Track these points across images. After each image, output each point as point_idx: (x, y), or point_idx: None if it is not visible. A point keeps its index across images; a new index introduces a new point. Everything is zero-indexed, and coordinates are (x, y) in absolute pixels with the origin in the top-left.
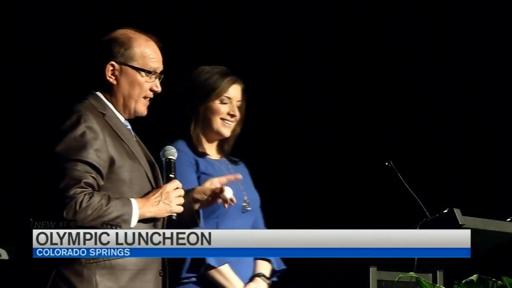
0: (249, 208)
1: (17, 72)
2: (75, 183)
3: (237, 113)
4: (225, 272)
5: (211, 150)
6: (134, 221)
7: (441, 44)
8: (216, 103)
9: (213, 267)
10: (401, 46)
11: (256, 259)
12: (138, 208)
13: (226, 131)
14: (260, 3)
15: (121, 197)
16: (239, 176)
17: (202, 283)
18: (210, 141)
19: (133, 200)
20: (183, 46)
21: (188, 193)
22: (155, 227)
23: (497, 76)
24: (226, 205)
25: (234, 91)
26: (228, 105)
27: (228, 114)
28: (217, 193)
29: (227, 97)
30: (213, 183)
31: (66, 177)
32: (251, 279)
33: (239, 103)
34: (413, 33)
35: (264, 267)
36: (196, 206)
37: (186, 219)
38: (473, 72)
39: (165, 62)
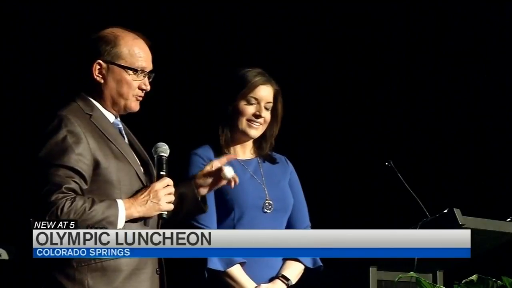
0: (271, 209)
1: (15, 72)
2: (56, 188)
3: (264, 114)
4: (234, 274)
5: (241, 150)
6: (120, 223)
7: (441, 44)
8: (242, 104)
9: (219, 271)
10: (401, 46)
11: (284, 259)
12: (124, 209)
13: (253, 132)
14: (262, 3)
15: (107, 199)
16: (235, 157)
17: (209, 285)
18: (239, 141)
19: (119, 201)
20: (184, 46)
21: (190, 182)
22: (145, 225)
23: (497, 76)
24: (232, 184)
25: (263, 92)
26: (255, 106)
27: (254, 115)
28: (218, 174)
29: (253, 97)
30: (213, 165)
31: (47, 183)
32: (270, 280)
33: (269, 104)
34: (413, 33)
35: (289, 268)
36: (202, 191)
37: (191, 209)
38: (473, 72)
39: (161, 61)
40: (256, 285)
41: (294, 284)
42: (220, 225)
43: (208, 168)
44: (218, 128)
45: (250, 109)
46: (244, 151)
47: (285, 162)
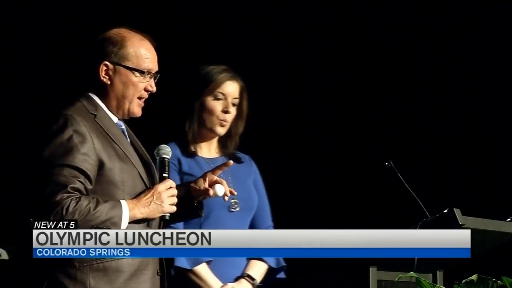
0: (237, 208)
1: (17, 72)
2: (61, 188)
3: (231, 110)
4: (200, 272)
5: (207, 148)
6: (124, 223)
7: (441, 44)
8: (209, 99)
9: (186, 269)
10: (401, 45)
11: (248, 259)
12: (128, 210)
13: (220, 130)
14: (261, 3)
15: (111, 200)
16: (230, 163)
17: (176, 283)
18: (206, 138)
19: (123, 202)
20: (182, 46)
21: (187, 186)
22: (148, 227)
23: (497, 76)
24: (226, 198)
25: (230, 88)
26: (222, 102)
27: (222, 111)
28: (208, 190)
29: (221, 93)
30: (207, 179)
31: (52, 183)
32: (236, 280)
33: (236, 100)
34: (413, 33)
35: (253, 267)
36: (200, 197)
37: (187, 213)
38: (473, 72)
39: (163, 61)
40: (222, 284)
41: (294, 284)
42: (187, 224)
43: (201, 184)
44: (185, 125)
45: (217, 105)
46: (209, 149)
47: (249, 162)
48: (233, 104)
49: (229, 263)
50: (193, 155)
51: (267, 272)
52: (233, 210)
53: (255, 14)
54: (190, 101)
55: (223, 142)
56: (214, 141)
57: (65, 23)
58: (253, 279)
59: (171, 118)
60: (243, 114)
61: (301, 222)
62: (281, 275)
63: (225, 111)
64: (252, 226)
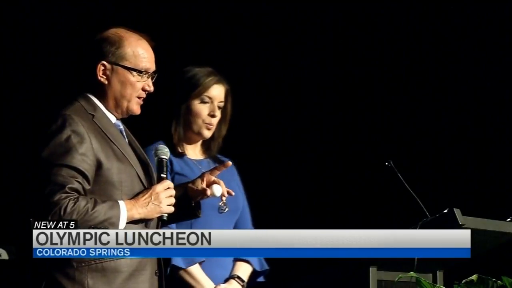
0: (226, 209)
1: (17, 72)
2: (59, 188)
3: (217, 113)
4: (194, 273)
5: (193, 150)
6: (122, 224)
7: (441, 44)
8: (196, 103)
9: (181, 268)
10: (401, 45)
11: (235, 260)
12: (126, 211)
13: (207, 133)
14: (257, 3)
15: (109, 200)
16: (229, 164)
17: (170, 283)
18: (191, 141)
19: (121, 203)
20: (179, 46)
21: (184, 187)
22: (146, 227)
23: (497, 76)
24: (224, 199)
25: (216, 91)
26: (209, 105)
27: (209, 114)
28: (206, 190)
29: (207, 96)
30: (204, 180)
31: (51, 183)
32: (226, 281)
33: (221, 103)
34: (413, 32)
35: (241, 269)
36: (198, 197)
37: (184, 213)
38: (473, 71)
39: (159, 61)
40: (214, 285)
41: (293, 284)
42: (178, 224)
43: (198, 184)
44: (171, 126)
45: (204, 109)
46: (194, 151)
47: (231, 164)
48: (219, 108)
49: (216, 264)
50: (182, 155)
51: (250, 274)
52: (221, 211)
53: (240, 15)
54: (176, 104)
55: (206, 144)
56: (198, 144)
57: (63, 23)
58: (242, 280)
59: (156, 118)
60: (227, 117)
61: (302, 222)
62: (261, 278)
63: (212, 115)
64: (234, 228)
